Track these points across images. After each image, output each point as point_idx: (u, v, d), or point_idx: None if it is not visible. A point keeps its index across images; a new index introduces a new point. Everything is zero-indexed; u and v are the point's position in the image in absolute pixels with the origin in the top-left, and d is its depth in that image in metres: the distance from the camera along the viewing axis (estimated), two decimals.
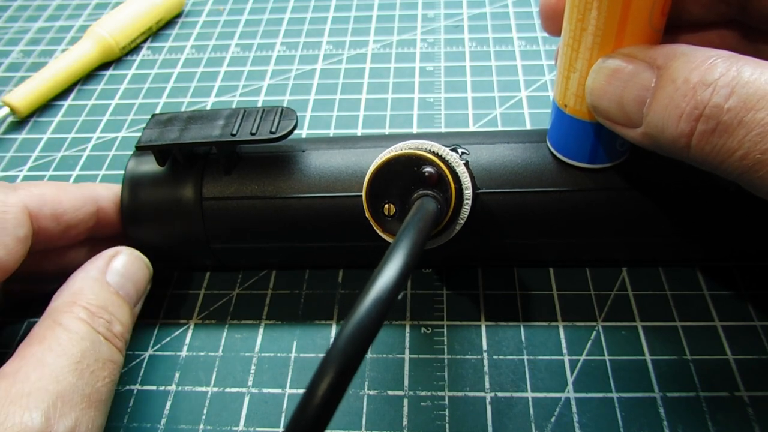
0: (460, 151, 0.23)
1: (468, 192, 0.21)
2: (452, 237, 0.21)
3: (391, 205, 0.21)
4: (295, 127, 0.23)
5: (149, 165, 0.25)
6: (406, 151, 0.21)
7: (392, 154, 0.21)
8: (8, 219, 0.21)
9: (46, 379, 0.18)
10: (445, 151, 0.21)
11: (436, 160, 0.20)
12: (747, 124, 0.15)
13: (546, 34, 0.40)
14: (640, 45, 0.18)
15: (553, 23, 0.22)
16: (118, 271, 0.23)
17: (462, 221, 0.21)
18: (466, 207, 0.21)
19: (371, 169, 0.21)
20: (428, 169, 0.20)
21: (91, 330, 0.20)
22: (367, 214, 0.21)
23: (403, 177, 0.20)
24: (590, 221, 0.23)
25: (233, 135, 0.23)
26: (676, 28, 0.21)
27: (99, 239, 0.26)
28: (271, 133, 0.23)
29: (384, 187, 0.21)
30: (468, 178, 0.21)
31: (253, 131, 0.23)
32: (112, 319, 0.21)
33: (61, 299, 0.21)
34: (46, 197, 0.23)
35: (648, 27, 0.18)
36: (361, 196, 0.21)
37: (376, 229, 0.21)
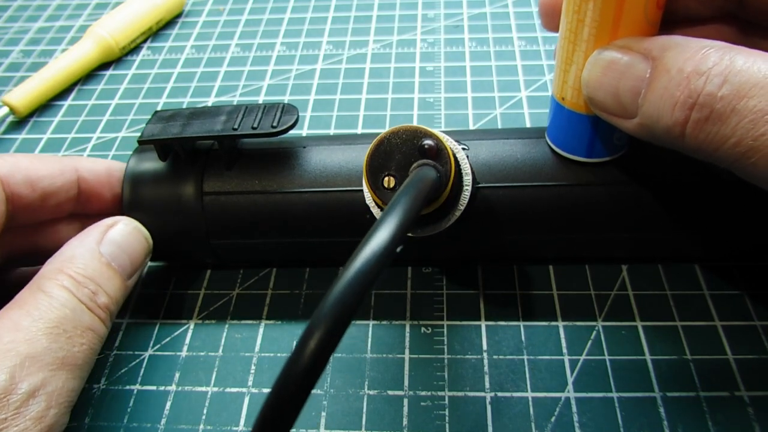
0: (460, 146, 0.23)
1: (468, 178, 0.21)
2: (452, 227, 0.21)
3: (391, 178, 0.21)
4: (296, 122, 0.23)
5: (151, 161, 0.25)
6: (407, 125, 0.21)
7: (393, 128, 0.21)
8: None
9: (17, 341, 0.18)
10: (444, 136, 0.21)
11: (436, 134, 0.20)
12: (739, 112, 0.15)
13: (546, 34, 0.40)
14: (636, 36, 0.19)
15: (551, 20, 0.22)
16: (113, 241, 0.22)
17: (461, 208, 0.21)
18: (466, 193, 0.21)
19: (372, 143, 0.21)
20: (428, 142, 0.20)
21: (72, 298, 0.20)
22: (367, 187, 0.21)
23: (403, 150, 0.21)
24: (590, 216, 0.23)
25: (235, 129, 0.23)
26: (672, 23, 0.21)
27: (89, 216, 0.25)
28: (273, 127, 0.23)
29: (384, 160, 0.21)
30: (467, 164, 0.21)
31: (255, 126, 0.23)
32: (98, 291, 0.21)
33: (51, 266, 0.21)
34: (19, 164, 0.23)
35: (643, 20, 0.18)
36: (362, 190, 0.21)
37: (375, 202, 0.21)
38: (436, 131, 0.21)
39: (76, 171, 0.24)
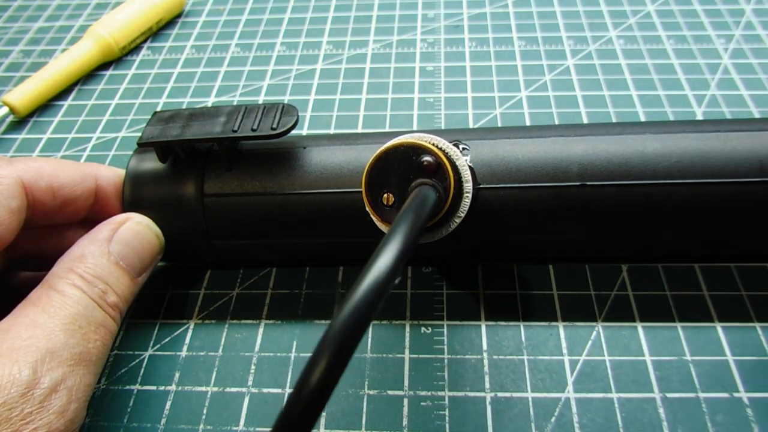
0: (461, 146, 0.23)
1: (468, 185, 0.21)
2: (452, 231, 0.21)
3: (390, 195, 0.21)
4: (296, 123, 0.23)
5: (151, 162, 0.25)
6: (405, 140, 0.21)
7: (391, 144, 0.21)
8: (1, 190, 0.21)
9: (37, 337, 0.18)
10: (444, 144, 0.21)
11: (435, 149, 0.20)
12: None
13: (546, 34, 0.40)
14: None
15: None
16: (122, 239, 0.23)
17: (462, 215, 0.21)
18: (466, 200, 0.21)
19: (370, 159, 0.21)
20: (427, 158, 0.20)
21: (84, 296, 0.20)
22: (366, 204, 0.21)
23: (402, 167, 0.20)
24: (592, 215, 0.23)
25: (234, 131, 0.23)
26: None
27: (99, 221, 0.26)
28: (272, 129, 0.23)
29: (383, 176, 0.21)
30: (468, 171, 0.21)
31: (255, 127, 0.23)
32: (107, 290, 0.21)
33: (61, 265, 0.21)
34: (43, 171, 0.23)
35: None
36: (361, 191, 0.21)
37: (374, 219, 0.21)
38: (433, 144, 0.20)
39: (95, 180, 0.24)
